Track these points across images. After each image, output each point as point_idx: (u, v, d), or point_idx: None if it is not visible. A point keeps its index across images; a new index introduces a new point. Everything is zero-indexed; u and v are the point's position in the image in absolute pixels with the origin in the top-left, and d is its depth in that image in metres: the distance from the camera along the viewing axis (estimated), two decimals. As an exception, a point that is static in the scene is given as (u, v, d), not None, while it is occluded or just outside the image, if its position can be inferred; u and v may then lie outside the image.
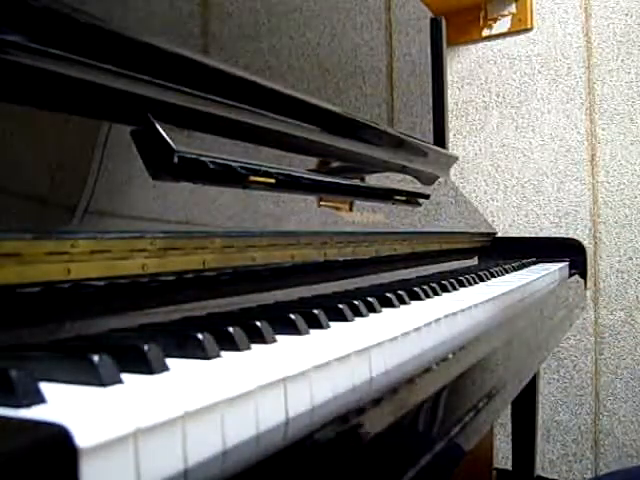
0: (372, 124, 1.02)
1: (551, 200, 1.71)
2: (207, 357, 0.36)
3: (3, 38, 0.44)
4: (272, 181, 0.68)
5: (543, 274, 1.06)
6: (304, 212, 0.73)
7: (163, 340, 0.36)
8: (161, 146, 0.54)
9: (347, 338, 0.43)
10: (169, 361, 0.33)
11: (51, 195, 0.45)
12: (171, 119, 0.58)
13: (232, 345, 0.38)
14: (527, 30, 1.73)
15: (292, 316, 0.45)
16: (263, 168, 0.66)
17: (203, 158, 0.58)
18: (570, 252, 1.36)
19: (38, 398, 0.25)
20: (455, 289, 0.78)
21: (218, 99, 0.65)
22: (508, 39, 1.76)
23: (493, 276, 0.98)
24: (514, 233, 1.74)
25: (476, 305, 0.64)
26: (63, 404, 0.26)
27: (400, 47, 1.24)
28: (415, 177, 1.16)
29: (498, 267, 1.06)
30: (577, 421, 1.65)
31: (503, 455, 1.71)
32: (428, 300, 0.67)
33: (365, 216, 0.87)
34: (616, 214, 1.63)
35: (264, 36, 0.79)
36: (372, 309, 0.57)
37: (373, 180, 0.99)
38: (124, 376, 0.30)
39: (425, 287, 0.69)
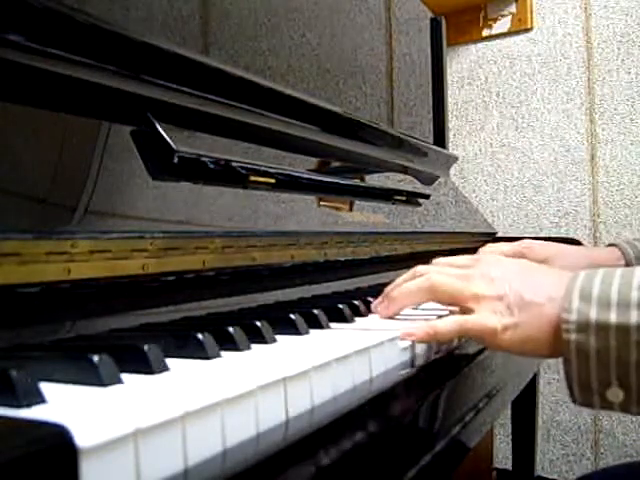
0: (372, 124, 1.02)
1: (551, 200, 1.71)
2: (207, 357, 0.36)
3: (3, 38, 0.44)
4: (272, 181, 0.67)
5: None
6: (304, 212, 0.73)
7: (163, 340, 0.36)
8: (161, 146, 0.54)
9: (347, 338, 0.43)
10: (169, 361, 0.33)
11: (51, 195, 0.45)
12: (171, 119, 0.58)
13: (232, 345, 0.38)
14: (527, 30, 1.73)
15: (292, 316, 0.45)
16: (263, 168, 0.66)
17: (203, 158, 0.58)
18: (570, 252, 1.35)
19: (38, 398, 0.25)
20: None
21: (218, 99, 0.65)
22: (508, 39, 1.76)
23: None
24: (514, 233, 1.74)
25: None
26: (63, 404, 0.26)
27: (400, 47, 1.24)
28: (415, 177, 1.16)
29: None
30: (577, 421, 1.65)
31: (503, 455, 1.71)
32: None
33: (365, 216, 0.87)
34: (616, 214, 1.62)
35: (264, 36, 0.79)
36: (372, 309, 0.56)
37: (373, 180, 0.99)
38: (124, 376, 0.30)
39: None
